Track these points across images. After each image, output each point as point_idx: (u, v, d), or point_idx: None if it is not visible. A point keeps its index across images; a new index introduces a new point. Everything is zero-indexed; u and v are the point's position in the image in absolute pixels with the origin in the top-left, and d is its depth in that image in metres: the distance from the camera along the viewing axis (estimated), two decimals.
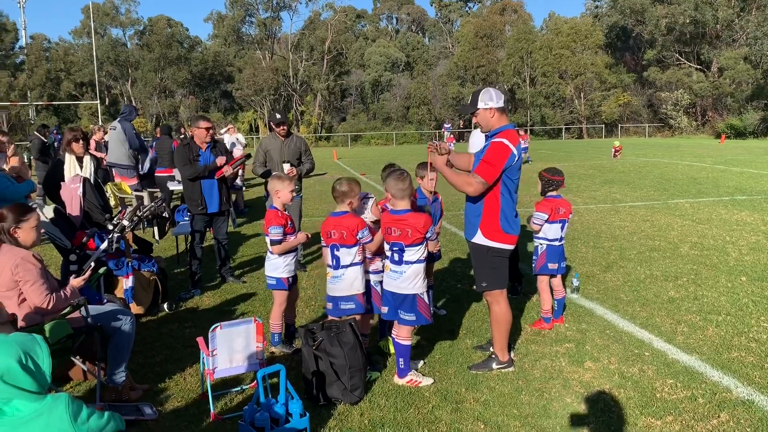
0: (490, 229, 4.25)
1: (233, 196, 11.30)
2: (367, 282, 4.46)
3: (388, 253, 4.24)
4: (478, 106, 4.26)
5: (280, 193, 4.81)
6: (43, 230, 4.24)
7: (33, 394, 2.22)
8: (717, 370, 4.31)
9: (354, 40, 71.72)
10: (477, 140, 6.32)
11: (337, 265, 4.37)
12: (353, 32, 73.73)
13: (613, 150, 26.80)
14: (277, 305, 4.88)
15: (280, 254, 4.77)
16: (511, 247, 4.34)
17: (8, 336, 2.29)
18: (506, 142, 4.13)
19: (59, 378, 4.34)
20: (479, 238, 4.29)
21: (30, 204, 5.28)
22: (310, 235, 5.11)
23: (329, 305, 4.49)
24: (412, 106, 62.70)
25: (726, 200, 12.54)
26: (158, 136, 13.06)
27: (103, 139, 13.35)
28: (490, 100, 4.23)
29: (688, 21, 51.12)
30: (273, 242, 4.74)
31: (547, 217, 5.23)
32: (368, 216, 4.52)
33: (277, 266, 4.80)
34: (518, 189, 4.39)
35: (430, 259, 4.78)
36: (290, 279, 4.85)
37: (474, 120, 4.37)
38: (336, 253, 4.35)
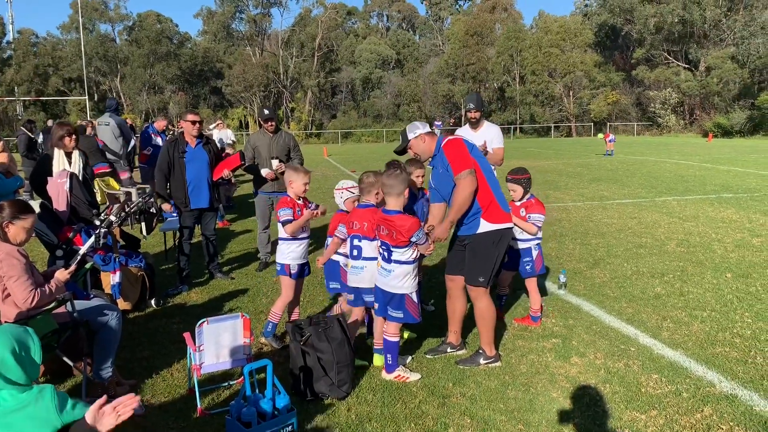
0: (492, 214, 4.36)
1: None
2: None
3: (380, 251, 4.27)
4: (409, 138, 4.49)
5: (294, 183, 4.84)
6: None
7: (21, 386, 2.22)
8: (701, 365, 4.36)
9: (344, 37, 71.62)
10: (490, 134, 6.43)
11: (358, 256, 4.45)
12: (344, 29, 73.65)
13: (606, 141, 27.15)
14: (282, 294, 4.91)
15: (293, 234, 4.78)
16: (512, 225, 4.50)
17: (3, 327, 2.29)
18: (450, 138, 4.47)
19: (43, 373, 4.32)
20: (485, 227, 4.35)
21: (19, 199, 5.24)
22: (322, 209, 4.98)
23: (350, 296, 4.61)
24: (403, 103, 62.75)
25: (712, 198, 12.64)
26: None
27: (91, 134, 13.25)
28: (416, 128, 4.51)
29: (676, 20, 51.47)
30: (284, 223, 4.78)
31: (544, 217, 5.28)
32: (342, 206, 4.85)
33: (282, 252, 4.86)
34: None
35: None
36: (293, 268, 4.85)
37: (411, 153, 4.59)
38: (358, 243, 4.44)
